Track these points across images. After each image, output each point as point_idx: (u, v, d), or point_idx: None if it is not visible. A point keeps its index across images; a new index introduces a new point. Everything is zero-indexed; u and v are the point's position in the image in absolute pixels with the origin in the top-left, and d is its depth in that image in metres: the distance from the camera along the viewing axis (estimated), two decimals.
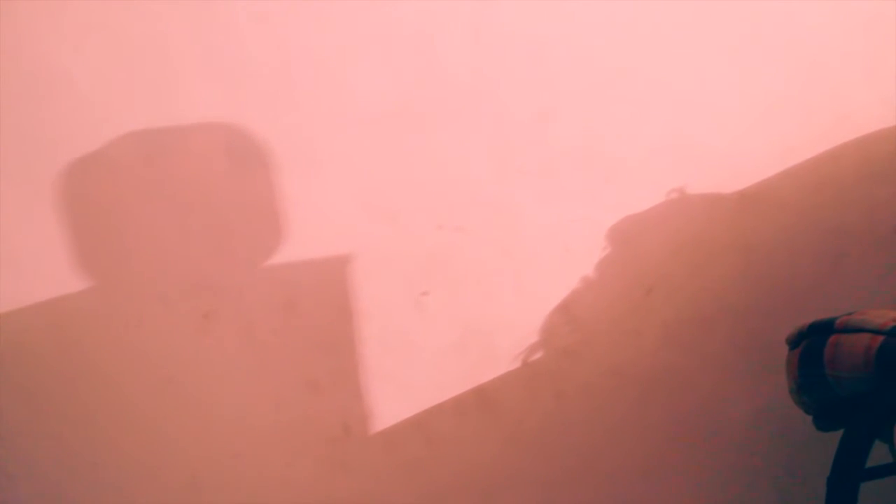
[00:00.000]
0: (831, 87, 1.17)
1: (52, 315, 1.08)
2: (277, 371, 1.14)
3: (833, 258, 1.22)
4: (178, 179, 1.08)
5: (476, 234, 1.15)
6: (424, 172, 1.12)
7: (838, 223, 1.21)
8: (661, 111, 1.15)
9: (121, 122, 1.05)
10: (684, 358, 1.22)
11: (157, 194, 1.08)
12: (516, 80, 1.11)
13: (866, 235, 1.21)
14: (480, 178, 1.13)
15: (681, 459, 1.26)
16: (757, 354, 1.22)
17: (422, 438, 1.19)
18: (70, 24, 1.01)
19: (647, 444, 1.25)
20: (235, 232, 1.10)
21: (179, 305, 1.11)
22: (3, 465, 1.11)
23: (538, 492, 1.24)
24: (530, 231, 1.16)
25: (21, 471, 1.11)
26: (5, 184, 1.04)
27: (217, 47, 1.04)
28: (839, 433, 0.87)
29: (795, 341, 0.91)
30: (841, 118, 1.18)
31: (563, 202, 1.16)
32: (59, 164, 1.05)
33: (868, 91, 1.18)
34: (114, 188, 1.07)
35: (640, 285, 1.20)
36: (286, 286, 1.12)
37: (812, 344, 0.88)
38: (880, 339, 0.81)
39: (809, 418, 0.93)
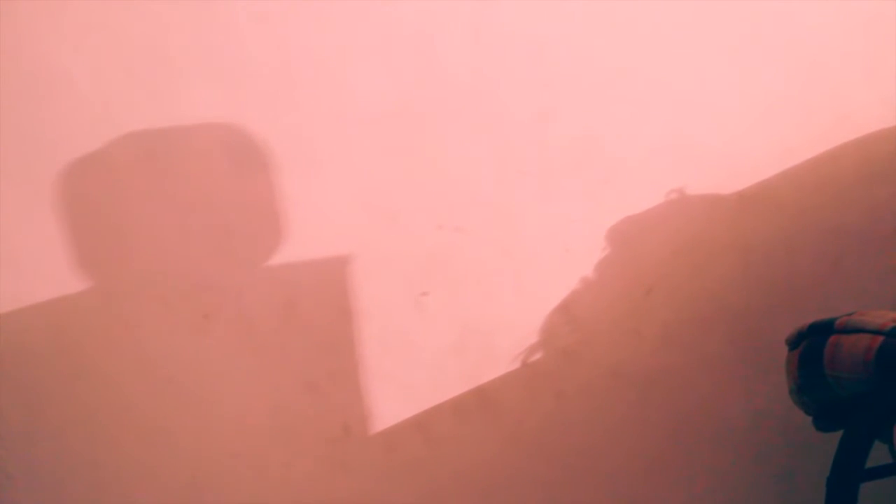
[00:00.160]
0: (831, 87, 1.17)
1: (51, 315, 1.08)
2: (277, 371, 1.14)
3: (833, 258, 1.22)
4: (177, 179, 1.08)
5: (476, 234, 1.15)
6: (424, 172, 1.12)
7: (838, 223, 1.21)
8: (660, 111, 1.15)
9: (121, 122, 1.05)
10: (684, 358, 1.22)
11: (157, 194, 1.08)
12: (516, 81, 1.11)
13: (866, 236, 1.22)
14: (480, 178, 1.13)
15: (680, 459, 1.26)
16: (756, 355, 1.22)
17: (421, 438, 1.19)
18: (70, 24, 1.01)
19: (647, 444, 1.25)
20: (235, 232, 1.10)
21: (179, 305, 1.11)
22: (2, 465, 1.11)
23: (538, 492, 1.24)
24: (530, 231, 1.16)
25: (21, 471, 1.11)
26: (5, 184, 1.04)
27: (217, 47, 1.04)
28: (839, 434, 0.87)
29: (795, 342, 0.91)
30: (840, 118, 1.18)
31: (562, 202, 1.16)
32: (59, 164, 1.05)
33: (868, 91, 1.18)
34: (114, 188, 1.07)
35: (640, 286, 1.20)
36: (286, 286, 1.12)
37: (812, 344, 0.88)
38: (880, 339, 0.81)
39: (809, 419, 0.93)
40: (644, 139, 1.15)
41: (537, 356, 1.19)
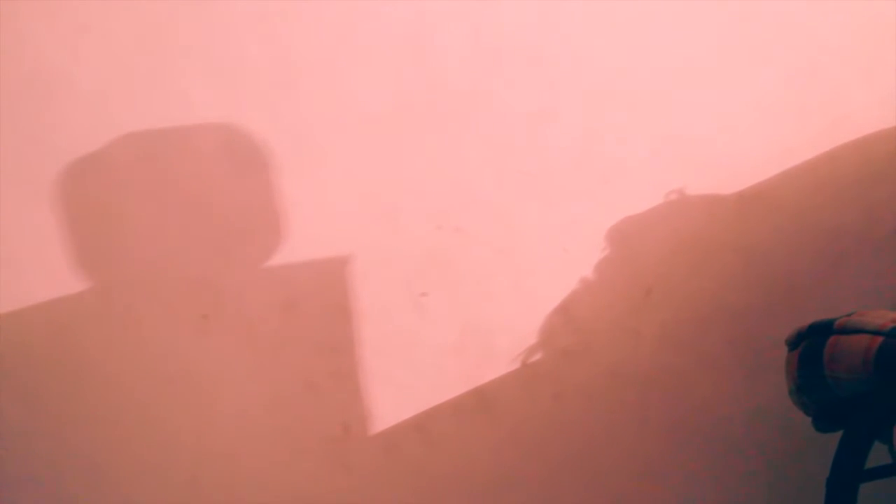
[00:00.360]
0: (830, 87, 1.18)
1: (51, 315, 1.08)
2: (277, 371, 1.14)
3: (832, 259, 1.22)
4: (177, 180, 1.08)
5: (475, 234, 1.15)
6: (424, 173, 1.12)
7: (837, 224, 1.21)
8: (659, 112, 1.15)
9: (120, 122, 1.05)
10: (683, 358, 1.23)
11: (156, 194, 1.08)
12: (516, 81, 1.11)
13: (865, 236, 1.22)
14: (480, 178, 1.14)
15: (679, 459, 1.26)
16: (756, 355, 1.22)
17: (421, 439, 1.19)
18: (69, 24, 1.01)
19: (646, 444, 1.25)
20: (235, 232, 1.10)
21: (179, 305, 1.11)
22: (2, 465, 1.11)
23: (537, 492, 1.24)
24: (529, 232, 1.16)
25: (20, 471, 1.11)
26: (5, 184, 1.04)
27: (217, 47, 1.04)
28: (839, 434, 0.87)
29: (795, 342, 0.92)
30: (839, 119, 1.18)
31: (562, 203, 1.16)
32: (59, 164, 1.05)
33: (866, 92, 1.18)
34: (113, 188, 1.07)
35: (639, 286, 1.20)
36: (286, 287, 1.12)
37: (811, 345, 0.88)
38: (879, 339, 0.81)
39: (808, 419, 0.93)
40: (643, 140, 1.15)
41: (537, 356, 1.20)
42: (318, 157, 1.09)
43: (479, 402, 1.19)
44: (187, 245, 1.09)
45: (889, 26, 1.17)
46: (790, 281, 1.22)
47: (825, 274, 1.22)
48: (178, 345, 1.11)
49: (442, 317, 1.16)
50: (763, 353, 1.21)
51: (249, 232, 1.10)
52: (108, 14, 1.02)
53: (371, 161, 1.11)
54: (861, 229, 1.22)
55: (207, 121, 1.07)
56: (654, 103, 1.15)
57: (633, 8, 1.11)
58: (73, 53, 1.02)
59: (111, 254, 1.08)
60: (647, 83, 1.14)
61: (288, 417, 1.15)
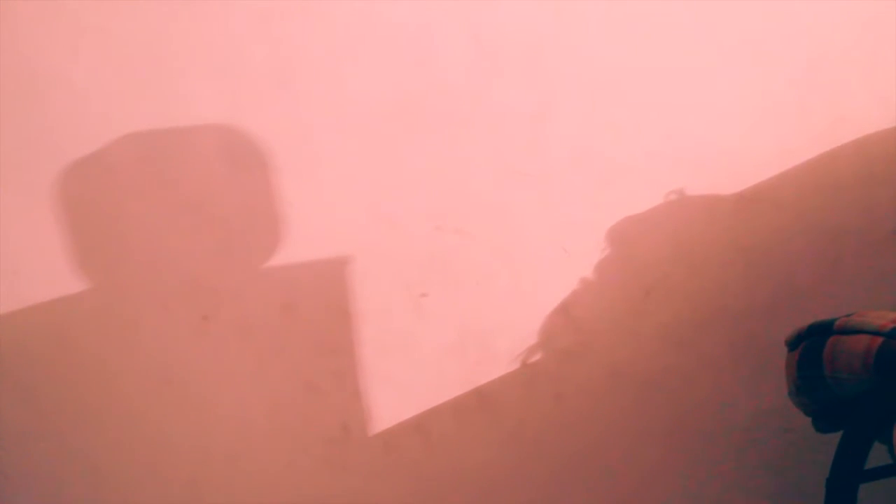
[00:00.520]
0: (829, 88, 1.18)
1: (50, 316, 1.08)
2: (276, 372, 1.14)
3: (832, 259, 1.22)
4: (176, 180, 1.08)
5: (475, 235, 1.15)
6: (423, 174, 1.12)
7: (837, 224, 1.21)
8: (659, 113, 1.15)
9: (119, 123, 1.05)
10: (683, 359, 1.23)
11: (155, 195, 1.08)
12: (515, 81, 1.11)
13: (865, 236, 1.22)
14: (479, 179, 1.13)
15: (679, 460, 1.26)
16: (756, 355, 1.22)
17: (421, 439, 1.19)
18: (68, 25, 1.01)
19: (646, 445, 1.25)
20: (234, 233, 1.10)
21: (178, 307, 1.11)
22: (2, 465, 1.11)
23: (537, 492, 1.24)
24: (529, 232, 1.16)
25: (20, 471, 1.11)
26: (5, 184, 1.04)
27: (216, 48, 1.04)
28: (838, 434, 0.87)
29: (794, 342, 0.92)
30: (839, 120, 1.18)
31: (561, 204, 1.16)
32: (58, 165, 1.05)
33: (866, 92, 1.18)
34: (112, 189, 1.07)
35: (639, 286, 1.20)
36: (285, 287, 1.12)
37: (811, 345, 0.88)
38: (879, 340, 0.81)
39: (808, 420, 0.93)
40: (643, 140, 1.15)
41: (536, 357, 1.20)
42: (318, 158, 1.09)
43: (479, 402, 1.19)
44: (187, 246, 1.09)
45: (889, 26, 1.17)
46: (790, 281, 1.22)
47: (825, 274, 1.22)
48: (178, 346, 1.11)
49: (441, 317, 1.16)
50: (763, 353, 1.21)
51: (249, 233, 1.10)
52: (108, 14, 1.02)
53: (371, 162, 1.10)
54: (861, 229, 1.21)
55: (207, 121, 1.07)
56: (653, 103, 1.15)
57: (632, 8, 1.11)
58: (72, 53, 1.02)
59: (111, 255, 1.08)
60: (646, 83, 1.14)
61: (288, 418, 1.15)
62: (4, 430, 1.10)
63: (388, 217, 1.12)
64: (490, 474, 1.22)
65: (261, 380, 1.14)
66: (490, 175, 1.13)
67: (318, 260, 1.12)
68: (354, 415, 1.17)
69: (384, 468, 1.19)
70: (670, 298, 1.20)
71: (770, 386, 1.19)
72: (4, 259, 1.06)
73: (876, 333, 0.82)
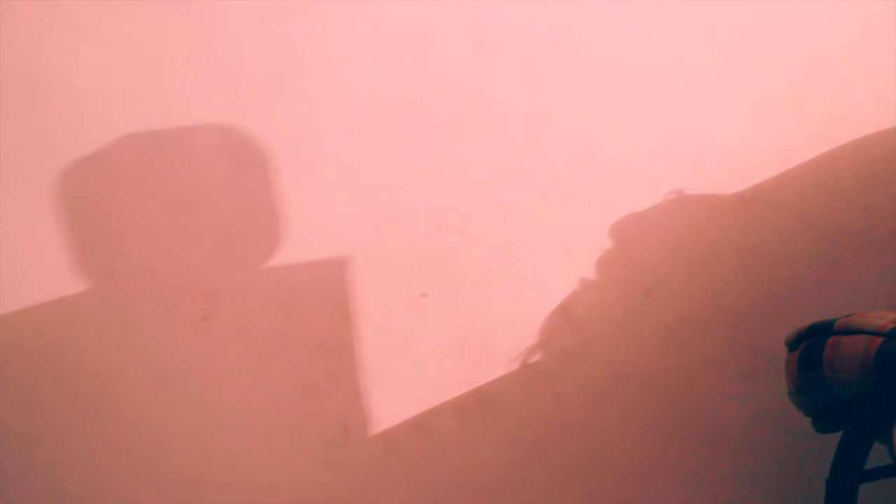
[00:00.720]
0: (829, 88, 1.18)
1: (50, 316, 1.08)
2: (276, 372, 1.14)
3: (831, 260, 1.22)
4: (176, 181, 1.08)
5: (475, 235, 1.15)
6: (423, 174, 1.12)
7: (836, 225, 1.21)
8: (659, 113, 1.15)
9: (119, 123, 1.05)
10: (683, 359, 1.23)
11: (155, 196, 1.08)
12: (515, 82, 1.11)
13: (865, 237, 1.22)
14: (479, 179, 1.14)
15: (679, 460, 1.26)
16: (756, 356, 1.22)
17: (421, 439, 1.19)
18: (68, 25, 1.01)
19: (646, 445, 1.25)
20: (234, 234, 1.10)
21: (178, 307, 1.11)
22: (1, 465, 1.11)
23: (537, 492, 1.24)
24: (529, 233, 1.16)
25: (19, 471, 1.11)
26: (5, 184, 1.04)
27: (216, 48, 1.04)
28: (838, 435, 0.87)
29: (794, 343, 0.92)
30: (839, 120, 1.18)
31: (561, 204, 1.16)
32: (58, 165, 1.04)
33: (866, 93, 1.18)
34: (112, 190, 1.07)
35: (639, 287, 1.20)
36: (285, 288, 1.12)
37: (811, 345, 0.88)
38: (879, 340, 0.81)
39: (808, 420, 0.93)
40: (643, 140, 1.15)
41: (536, 357, 1.19)
42: (318, 158, 1.09)
43: (479, 402, 1.19)
44: (187, 246, 1.09)
45: (888, 27, 1.17)
46: (790, 281, 1.22)
47: (825, 274, 1.22)
48: (178, 346, 1.11)
49: (441, 317, 1.16)
50: (763, 353, 1.21)
51: (249, 233, 1.10)
52: (108, 14, 1.02)
53: (370, 162, 1.11)
54: (861, 230, 1.22)
55: (207, 121, 1.07)
56: (653, 103, 1.15)
57: (632, 8, 1.11)
58: (72, 53, 1.02)
59: (110, 255, 1.08)
60: (646, 83, 1.14)
61: (287, 418, 1.15)
62: (4, 430, 1.10)
63: (388, 217, 1.12)
64: (490, 474, 1.22)
65: (260, 380, 1.14)
66: (490, 175, 1.13)
67: (318, 260, 1.12)
68: (354, 415, 1.17)
69: (384, 468, 1.19)
70: (670, 299, 1.20)
71: (770, 386, 1.19)
72: (4, 259, 1.06)
73: (876, 334, 0.82)
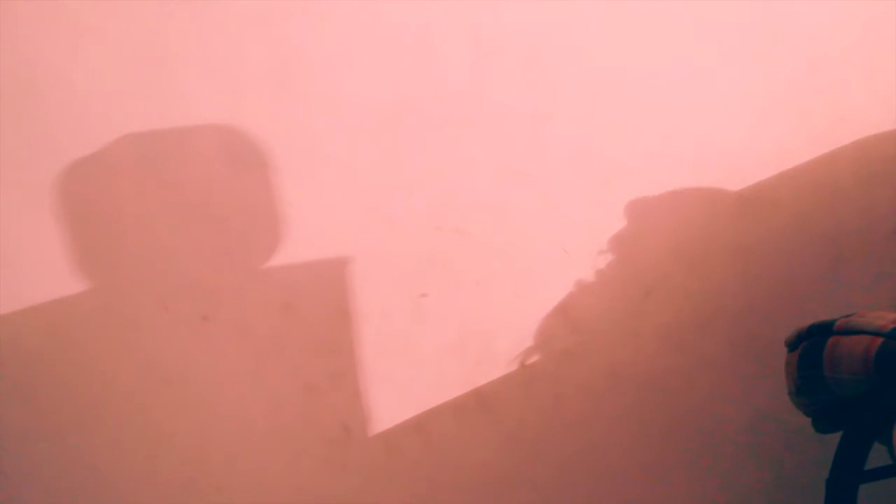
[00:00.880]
0: (829, 89, 1.18)
1: (50, 317, 1.08)
2: (276, 373, 1.14)
3: (831, 260, 1.22)
4: (176, 181, 1.08)
5: (475, 236, 1.15)
6: (423, 174, 1.12)
7: (836, 225, 1.21)
8: (659, 113, 1.15)
9: (119, 123, 1.05)
10: (682, 359, 1.23)
11: (155, 196, 1.08)
12: (515, 82, 1.11)
13: (864, 237, 1.22)
14: (479, 179, 1.13)
15: (679, 460, 1.26)
16: (755, 356, 1.22)
17: (421, 439, 1.19)
18: (68, 25, 1.01)
19: (645, 445, 1.25)
20: (234, 234, 1.10)
21: (178, 307, 1.11)
22: (1, 465, 1.11)
23: (537, 492, 1.24)
24: (529, 233, 1.16)
25: (19, 471, 1.11)
26: (4, 184, 1.04)
27: (216, 48, 1.04)
28: (838, 435, 0.87)
29: (794, 343, 0.91)
30: (839, 120, 1.18)
31: (561, 204, 1.16)
32: (58, 166, 1.05)
33: (866, 93, 1.18)
34: (112, 190, 1.07)
35: (639, 287, 1.20)
36: (285, 288, 1.12)
37: (811, 346, 0.88)
38: (879, 340, 0.81)
39: (808, 420, 0.93)
40: (643, 140, 1.15)
41: (536, 357, 1.20)
42: (318, 158, 1.09)
43: (479, 402, 1.19)
44: (186, 246, 1.09)
45: (888, 27, 1.17)
46: (790, 281, 1.22)
47: (825, 275, 1.22)
48: (178, 346, 1.11)
49: (441, 318, 1.16)
50: (763, 353, 1.21)
51: (249, 233, 1.10)
52: (108, 14, 1.02)
53: (370, 162, 1.10)
54: (860, 230, 1.22)
55: (207, 121, 1.07)
56: (653, 103, 1.15)
57: (632, 8, 1.11)
58: (72, 53, 1.02)
59: (110, 255, 1.08)
60: (646, 83, 1.14)
61: (288, 418, 1.15)
62: (4, 430, 1.10)
63: (388, 217, 1.12)
64: (490, 474, 1.22)
65: (260, 380, 1.14)
66: (490, 175, 1.13)
67: (318, 260, 1.12)
68: (354, 415, 1.17)
69: (384, 468, 1.19)
70: (670, 299, 1.20)
71: (770, 386, 1.19)
72: (4, 259, 1.06)
73: (876, 334, 0.82)
